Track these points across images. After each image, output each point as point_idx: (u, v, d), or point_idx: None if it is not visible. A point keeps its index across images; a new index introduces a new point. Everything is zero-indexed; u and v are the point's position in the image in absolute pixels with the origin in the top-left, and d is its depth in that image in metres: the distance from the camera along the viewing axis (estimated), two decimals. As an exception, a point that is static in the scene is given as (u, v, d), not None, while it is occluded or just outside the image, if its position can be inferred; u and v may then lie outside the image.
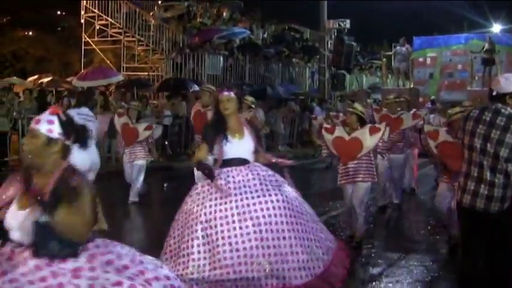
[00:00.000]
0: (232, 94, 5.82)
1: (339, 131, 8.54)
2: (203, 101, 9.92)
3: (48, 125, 3.64)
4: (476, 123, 5.25)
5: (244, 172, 5.58)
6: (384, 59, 29.61)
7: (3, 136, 14.87)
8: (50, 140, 3.65)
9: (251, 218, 5.27)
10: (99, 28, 27.45)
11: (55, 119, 3.66)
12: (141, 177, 11.71)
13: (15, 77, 22.83)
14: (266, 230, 5.24)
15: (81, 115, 8.79)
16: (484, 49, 24.37)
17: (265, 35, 32.89)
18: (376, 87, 32.56)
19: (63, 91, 20.79)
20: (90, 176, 3.89)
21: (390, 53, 27.91)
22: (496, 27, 36.21)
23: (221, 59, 26.53)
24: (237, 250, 5.18)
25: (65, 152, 3.71)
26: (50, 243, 3.39)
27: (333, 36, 31.34)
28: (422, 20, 40.01)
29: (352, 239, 8.49)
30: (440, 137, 8.18)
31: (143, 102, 18.86)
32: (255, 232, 5.23)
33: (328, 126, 8.95)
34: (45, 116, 3.68)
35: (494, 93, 5.30)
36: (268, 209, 5.32)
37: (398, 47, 26.32)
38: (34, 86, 20.50)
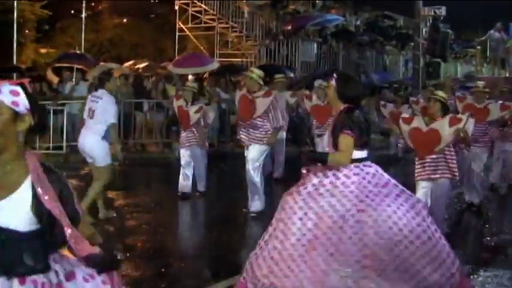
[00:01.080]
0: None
1: (417, 121, 7.89)
2: (248, 86, 9.62)
3: (13, 97, 2.74)
4: None
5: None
6: (478, 47, 28.43)
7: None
8: (16, 115, 2.76)
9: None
10: (193, 15, 27.63)
11: (20, 90, 2.77)
12: (201, 165, 11.04)
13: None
14: None
15: (94, 96, 8.87)
16: None
17: (359, 22, 32.46)
18: (471, 76, 31.57)
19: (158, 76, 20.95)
20: None
21: (484, 38, 26.97)
22: None
23: (315, 45, 26.34)
24: None
25: (30, 136, 2.89)
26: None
27: (428, 24, 30.58)
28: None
29: None
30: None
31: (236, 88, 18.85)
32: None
33: (407, 115, 8.46)
34: (7, 85, 2.77)
35: None
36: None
37: (492, 32, 25.26)
38: (130, 71, 20.73)
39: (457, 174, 7.76)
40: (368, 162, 5.06)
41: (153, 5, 33.00)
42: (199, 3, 27.18)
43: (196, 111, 10.72)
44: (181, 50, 27.10)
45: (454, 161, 7.72)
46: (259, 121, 9.25)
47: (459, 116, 7.97)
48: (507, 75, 24.81)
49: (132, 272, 6.57)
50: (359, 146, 5.00)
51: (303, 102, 13.05)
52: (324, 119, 11.88)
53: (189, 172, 10.92)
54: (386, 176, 5.04)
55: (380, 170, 5.04)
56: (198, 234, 9.02)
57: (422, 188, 7.66)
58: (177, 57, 22.29)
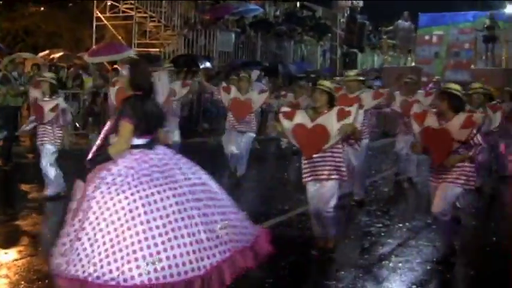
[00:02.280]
0: None
1: (301, 117, 7.12)
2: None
3: None
4: None
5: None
6: (385, 36, 28.38)
7: (16, 111, 14.92)
8: None
9: None
10: (111, 4, 27.29)
11: None
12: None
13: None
14: None
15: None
16: (485, 25, 23.12)
17: (278, 13, 32.71)
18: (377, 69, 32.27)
19: (75, 66, 20.67)
20: None
21: (391, 28, 27.18)
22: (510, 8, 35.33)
23: (233, 35, 26.37)
24: None
25: None
26: None
27: (346, 15, 31.19)
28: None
29: (322, 250, 7.18)
30: (426, 121, 6.91)
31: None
32: None
33: (287, 109, 7.57)
34: None
35: None
36: None
37: (400, 22, 25.33)
38: (45, 61, 20.41)
39: (345, 174, 7.16)
40: (153, 148, 4.97)
41: (71, -6, 32.52)
42: (117, -8, 26.91)
43: (52, 110, 9.83)
44: (99, 40, 26.76)
45: (342, 160, 7.13)
46: None
47: (348, 108, 7.04)
48: (413, 64, 25.37)
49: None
50: (140, 134, 4.89)
51: (220, 95, 12.22)
52: (243, 114, 11.65)
53: None
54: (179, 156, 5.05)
55: (170, 153, 5.02)
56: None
57: (310, 192, 7.12)
58: (93, 47, 22.08)
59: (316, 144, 6.96)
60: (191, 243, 4.48)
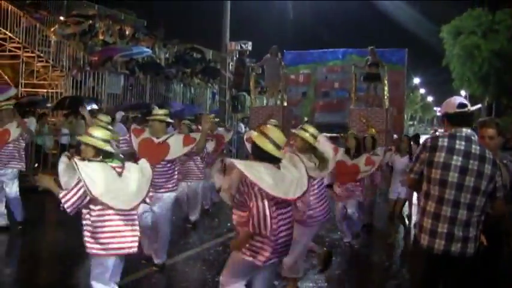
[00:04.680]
0: None
1: (147, 134, 8.55)
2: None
3: None
4: (450, 154, 4.93)
5: None
6: (253, 73, 24.31)
7: None
8: None
9: None
10: (-3, 42, 26.93)
11: None
12: None
13: None
14: None
15: None
16: (368, 63, 20.56)
17: (167, 55, 33.12)
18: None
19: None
20: None
21: (258, 64, 24.29)
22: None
23: (122, 77, 26.55)
24: None
25: None
26: None
27: (235, 58, 31.81)
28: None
29: None
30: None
31: (42, 121, 18.74)
32: None
33: (137, 127, 9.03)
34: None
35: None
36: None
37: (268, 56, 22.19)
38: None
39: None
40: None
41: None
42: (4, 30, 26.44)
43: None
44: (-16, 79, 26.34)
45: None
46: None
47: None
48: (285, 104, 21.69)
49: None
50: None
51: None
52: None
53: None
54: None
55: None
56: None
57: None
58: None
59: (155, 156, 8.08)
60: None
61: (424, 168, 5.05)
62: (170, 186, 8.53)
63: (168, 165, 8.45)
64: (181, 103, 28.79)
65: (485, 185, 4.85)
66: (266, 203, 5.25)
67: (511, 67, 39.50)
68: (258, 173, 5.26)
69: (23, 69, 26.43)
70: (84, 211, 5.58)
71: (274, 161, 5.45)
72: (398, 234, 12.14)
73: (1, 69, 26.76)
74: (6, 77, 26.19)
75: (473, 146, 4.92)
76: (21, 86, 25.59)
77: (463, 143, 4.92)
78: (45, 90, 25.57)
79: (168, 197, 8.53)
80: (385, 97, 20.46)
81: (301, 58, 25.86)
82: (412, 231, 12.43)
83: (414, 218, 13.45)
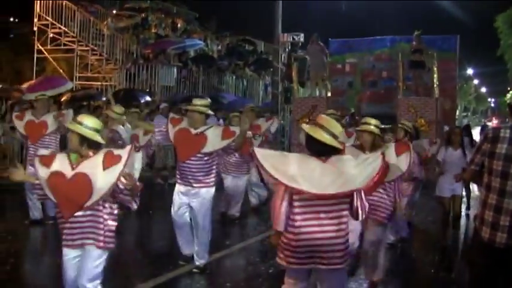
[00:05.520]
0: None
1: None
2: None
3: None
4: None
5: None
6: (295, 62, 24.18)
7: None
8: None
9: None
10: (52, 36, 27.29)
11: None
12: None
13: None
14: None
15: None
16: (412, 49, 20.25)
17: (220, 47, 33.09)
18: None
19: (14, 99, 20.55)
20: None
21: (301, 54, 24.12)
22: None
23: (175, 70, 26.56)
24: None
25: None
26: None
27: (287, 50, 31.59)
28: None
29: None
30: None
31: (96, 113, 18.79)
32: None
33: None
34: None
35: None
36: None
37: (309, 46, 22.27)
38: (-17, 94, 20.23)
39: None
40: None
41: (12, 25, 32.32)
42: (59, 25, 26.85)
43: None
44: (40, 72, 26.71)
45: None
46: None
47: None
48: (329, 95, 21.71)
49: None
50: None
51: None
52: None
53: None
54: None
55: None
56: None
57: None
58: (30, 82, 21.91)
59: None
60: None
61: (486, 159, 4.85)
62: (208, 181, 8.00)
63: (205, 158, 7.93)
64: (233, 95, 28.63)
65: None
66: (280, 194, 5.00)
67: None
68: (277, 163, 5.00)
69: (78, 63, 26.78)
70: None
71: (333, 152, 5.06)
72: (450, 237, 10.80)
73: (56, 63, 27.13)
74: (61, 71, 26.51)
75: None
76: (76, 79, 25.88)
77: None
78: (99, 83, 25.80)
79: (207, 192, 8.01)
80: (435, 86, 19.73)
81: (348, 47, 24.60)
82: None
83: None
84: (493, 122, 62.02)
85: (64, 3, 26.70)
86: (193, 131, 7.93)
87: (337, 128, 5.16)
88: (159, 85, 25.38)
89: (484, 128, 25.56)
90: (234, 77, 30.68)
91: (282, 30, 29.46)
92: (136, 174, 5.50)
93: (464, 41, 25.05)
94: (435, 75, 19.60)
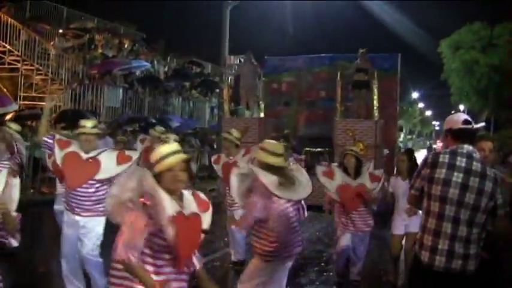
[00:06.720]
0: None
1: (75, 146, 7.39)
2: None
3: None
4: (451, 170, 4.90)
5: None
6: (226, 82, 23.43)
7: None
8: None
9: None
10: (-4, 55, 26.94)
11: None
12: None
13: None
14: None
15: None
16: (356, 68, 18.94)
17: (166, 69, 33.09)
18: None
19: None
20: None
21: (231, 73, 23.14)
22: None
23: (120, 91, 26.46)
24: None
25: None
26: None
27: (233, 72, 31.76)
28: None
29: None
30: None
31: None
32: None
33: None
34: None
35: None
36: None
37: (242, 65, 21.50)
38: None
39: None
40: None
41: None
42: (3, 43, 26.51)
43: None
44: (-17, 91, 26.29)
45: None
46: None
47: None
48: (261, 115, 20.58)
49: None
50: None
51: None
52: None
53: None
54: None
55: None
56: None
57: None
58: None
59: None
60: None
61: (425, 184, 5.02)
62: (98, 209, 7.19)
63: (97, 185, 7.21)
64: (179, 117, 28.66)
65: (485, 202, 4.81)
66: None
67: (510, 81, 39.45)
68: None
69: (22, 82, 26.42)
70: None
71: (280, 170, 6.15)
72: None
73: (0, 82, 26.73)
74: (5, 90, 26.13)
75: (474, 163, 4.90)
76: (20, 98, 25.56)
77: (464, 159, 4.91)
78: (43, 103, 25.35)
79: (98, 222, 7.30)
80: (375, 107, 18.68)
81: (285, 65, 23.90)
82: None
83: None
84: (438, 145, 62.87)
85: (9, 21, 26.41)
86: (84, 156, 7.29)
87: (278, 147, 6.31)
88: (105, 106, 25.24)
89: (430, 150, 25.79)
90: (180, 99, 30.71)
91: (228, 52, 29.67)
92: (14, 206, 4.73)
93: (410, 65, 25.07)
94: (375, 96, 18.68)
